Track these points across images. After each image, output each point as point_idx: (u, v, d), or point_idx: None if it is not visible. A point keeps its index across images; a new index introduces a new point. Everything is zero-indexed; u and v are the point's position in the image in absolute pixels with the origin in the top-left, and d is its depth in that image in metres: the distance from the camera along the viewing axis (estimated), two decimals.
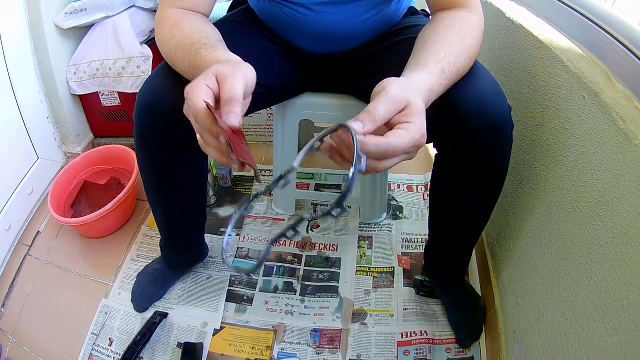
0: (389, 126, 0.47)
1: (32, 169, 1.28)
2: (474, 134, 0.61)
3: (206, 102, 0.46)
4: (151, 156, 0.75)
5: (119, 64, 1.28)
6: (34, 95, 1.29)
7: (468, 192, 0.71)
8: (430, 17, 0.68)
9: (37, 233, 1.26)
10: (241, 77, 0.49)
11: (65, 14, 1.27)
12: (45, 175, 1.34)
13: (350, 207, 1.24)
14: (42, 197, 1.33)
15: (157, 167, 0.76)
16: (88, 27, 1.33)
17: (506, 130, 0.62)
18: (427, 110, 0.61)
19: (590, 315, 0.57)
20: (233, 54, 0.57)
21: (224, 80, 0.48)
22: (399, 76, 0.58)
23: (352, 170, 0.40)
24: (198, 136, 0.50)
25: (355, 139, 0.41)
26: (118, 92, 1.34)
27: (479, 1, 0.65)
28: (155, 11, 1.35)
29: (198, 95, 0.47)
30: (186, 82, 0.64)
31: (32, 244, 1.23)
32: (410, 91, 0.48)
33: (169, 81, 0.66)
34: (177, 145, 0.71)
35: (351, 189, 0.40)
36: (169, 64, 0.66)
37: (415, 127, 0.45)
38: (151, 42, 1.34)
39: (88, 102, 1.42)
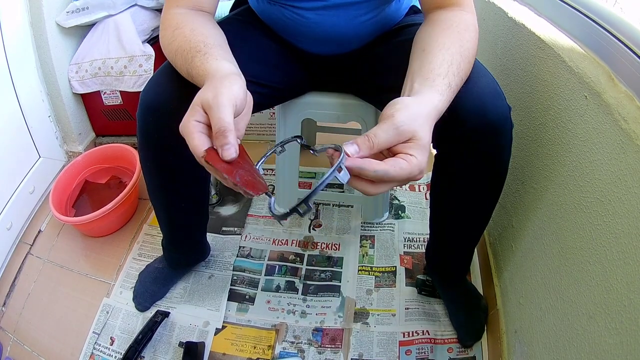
0: (390, 152, 0.47)
1: (33, 168, 1.28)
2: (473, 135, 0.61)
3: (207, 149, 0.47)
4: (154, 156, 0.75)
5: (120, 63, 1.27)
6: (36, 94, 1.29)
7: (468, 193, 0.71)
8: (423, 17, 0.67)
9: (39, 232, 1.26)
10: (226, 102, 0.46)
11: (67, 12, 1.27)
12: (46, 174, 1.34)
13: (352, 206, 1.24)
14: (43, 196, 1.33)
15: (160, 167, 0.76)
16: (89, 26, 1.33)
17: (505, 130, 0.62)
18: None
19: (591, 315, 0.57)
20: (224, 62, 0.55)
21: (209, 112, 0.46)
22: (399, 75, 0.58)
23: (326, 174, 0.43)
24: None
25: (342, 156, 0.43)
26: (120, 91, 1.34)
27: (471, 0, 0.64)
28: (158, 10, 1.38)
29: (193, 138, 0.46)
30: (189, 82, 0.65)
31: (33, 243, 1.23)
32: (418, 121, 0.47)
33: (172, 80, 0.66)
34: (180, 145, 0.71)
35: (317, 191, 0.43)
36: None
37: (417, 162, 0.45)
38: (153, 41, 1.34)
39: (90, 101, 1.42)
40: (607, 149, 0.57)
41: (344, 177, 0.44)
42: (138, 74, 1.27)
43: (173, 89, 0.66)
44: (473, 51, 0.59)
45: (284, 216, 0.46)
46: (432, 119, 0.49)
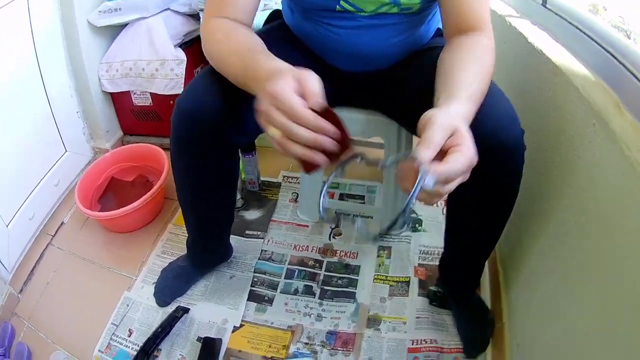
0: (441, 153, 0.50)
1: (59, 161, 1.31)
2: (488, 156, 0.62)
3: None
4: (188, 161, 0.77)
5: (152, 65, 1.30)
6: (65, 90, 1.32)
7: (481, 210, 0.74)
8: (445, 41, 0.71)
9: (61, 224, 1.29)
10: (316, 77, 0.52)
11: (99, 12, 1.30)
12: (72, 168, 1.37)
13: (372, 217, 1.27)
14: (67, 189, 1.36)
15: (191, 171, 0.79)
16: (121, 26, 1.35)
17: (518, 152, 0.66)
18: None
19: (587, 333, 0.60)
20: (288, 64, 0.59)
21: (305, 79, 0.51)
22: (426, 97, 0.61)
23: (411, 193, 0.47)
24: (277, 134, 0.50)
25: (421, 169, 0.47)
26: (150, 93, 1.36)
27: (490, 25, 0.68)
28: (190, 15, 1.40)
29: (293, 97, 0.49)
30: (226, 89, 0.67)
31: (55, 234, 1.26)
32: (454, 118, 0.52)
33: (209, 89, 0.69)
34: (213, 150, 0.74)
35: (408, 209, 0.47)
36: (217, 68, 0.67)
37: (468, 148, 0.50)
38: (185, 46, 1.36)
39: (119, 100, 1.44)
40: (611, 175, 0.59)
41: (429, 181, 0.47)
42: (169, 78, 1.30)
43: (210, 97, 0.69)
44: (490, 72, 0.64)
45: (380, 236, 0.49)
46: (462, 120, 0.54)
